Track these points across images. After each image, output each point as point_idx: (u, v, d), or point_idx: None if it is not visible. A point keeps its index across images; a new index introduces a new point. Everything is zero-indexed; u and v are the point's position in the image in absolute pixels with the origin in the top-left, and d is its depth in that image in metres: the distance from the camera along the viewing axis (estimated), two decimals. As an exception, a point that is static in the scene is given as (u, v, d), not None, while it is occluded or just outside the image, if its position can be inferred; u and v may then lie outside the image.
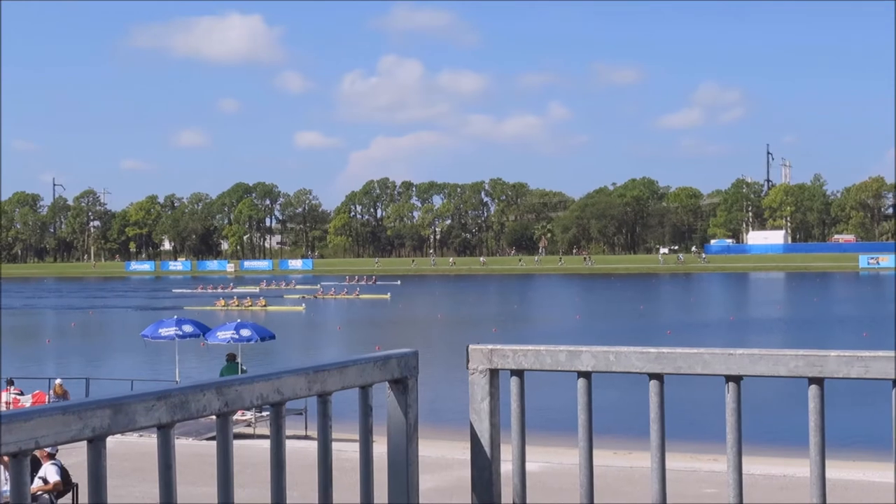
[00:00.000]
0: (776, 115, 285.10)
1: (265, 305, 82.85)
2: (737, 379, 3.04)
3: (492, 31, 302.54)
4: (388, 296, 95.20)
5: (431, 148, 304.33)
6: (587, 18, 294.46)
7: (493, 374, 3.27)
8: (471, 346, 3.28)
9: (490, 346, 3.25)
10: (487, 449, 3.24)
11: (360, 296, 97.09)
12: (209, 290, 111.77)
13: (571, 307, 79.00)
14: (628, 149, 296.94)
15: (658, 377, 3.11)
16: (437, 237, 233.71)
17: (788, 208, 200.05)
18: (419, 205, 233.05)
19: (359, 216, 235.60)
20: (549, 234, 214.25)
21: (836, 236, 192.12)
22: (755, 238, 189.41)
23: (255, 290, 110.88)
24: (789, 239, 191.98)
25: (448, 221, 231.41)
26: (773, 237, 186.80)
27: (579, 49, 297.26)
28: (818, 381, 2.97)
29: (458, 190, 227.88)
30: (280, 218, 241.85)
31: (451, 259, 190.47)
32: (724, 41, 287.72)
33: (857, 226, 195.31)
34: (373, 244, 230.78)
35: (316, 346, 54.55)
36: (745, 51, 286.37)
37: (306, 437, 24.20)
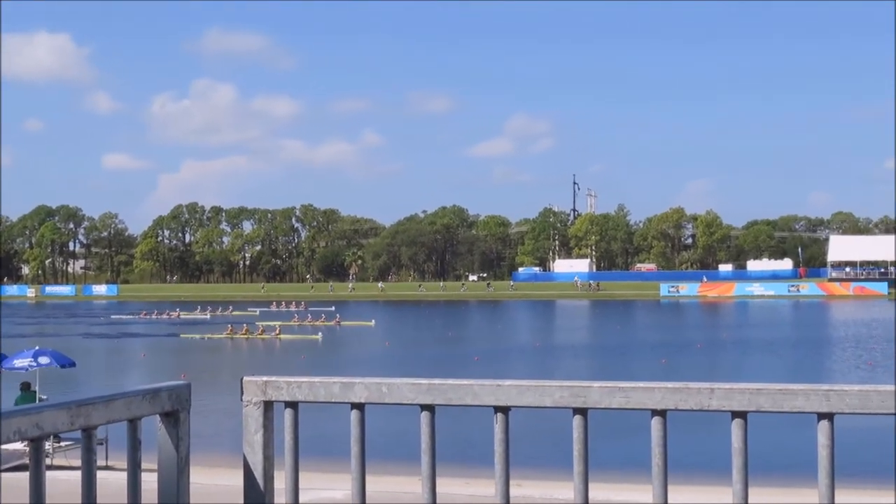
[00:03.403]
0: (584, 146, 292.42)
1: (279, 335, 76.00)
2: (505, 409, 3.12)
3: (308, 57, 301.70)
4: (372, 322, 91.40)
5: (243, 172, 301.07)
6: (403, 47, 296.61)
7: (268, 406, 3.27)
8: (245, 379, 3.28)
9: (264, 379, 3.26)
10: (260, 481, 3.24)
11: (342, 322, 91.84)
12: (154, 317, 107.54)
13: (382, 334, 79.15)
14: (440, 176, 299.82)
15: (429, 408, 3.18)
16: (247, 263, 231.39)
17: (593, 237, 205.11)
18: (229, 230, 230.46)
19: (166, 241, 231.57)
20: (359, 261, 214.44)
21: (638, 265, 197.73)
22: (561, 266, 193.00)
23: (204, 316, 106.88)
24: (594, 267, 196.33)
25: (258, 247, 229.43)
26: (579, 265, 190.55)
27: (394, 77, 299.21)
28: (582, 412, 3.08)
29: (269, 215, 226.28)
30: (84, 242, 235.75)
31: (350, 285, 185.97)
32: (535, 71, 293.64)
33: (659, 255, 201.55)
34: (181, 269, 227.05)
35: (122, 372, 53.06)
36: (554, 81, 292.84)
37: (107, 468, 23.53)
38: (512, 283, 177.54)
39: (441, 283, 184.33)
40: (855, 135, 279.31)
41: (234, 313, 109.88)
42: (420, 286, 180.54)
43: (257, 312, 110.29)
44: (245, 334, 76.72)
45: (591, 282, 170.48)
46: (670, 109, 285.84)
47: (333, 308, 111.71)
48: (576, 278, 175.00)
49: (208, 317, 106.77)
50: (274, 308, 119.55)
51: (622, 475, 20.45)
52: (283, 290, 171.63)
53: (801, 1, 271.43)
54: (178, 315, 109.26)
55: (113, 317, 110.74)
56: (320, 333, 78.09)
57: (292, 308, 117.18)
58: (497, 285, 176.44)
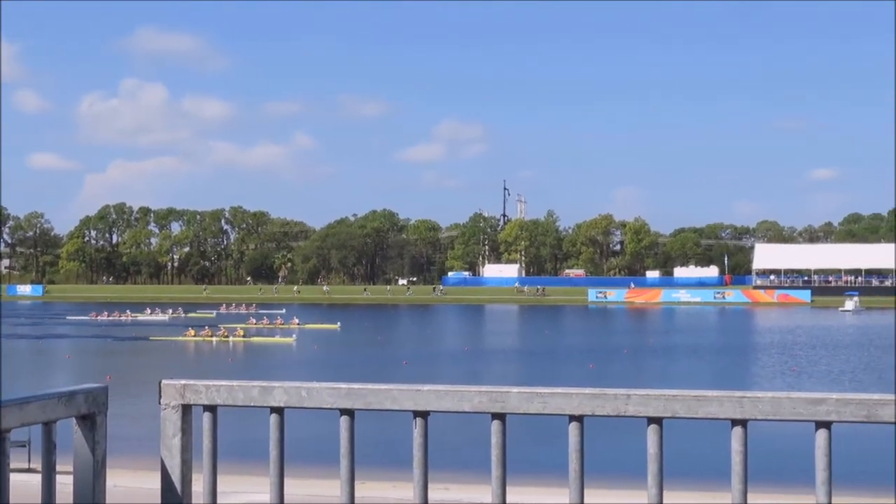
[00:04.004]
0: (514, 152, 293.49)
1: (244, 336, 74.45)
2: (424, 414, 3.15)
3: (239, 59, 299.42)
4: (337, 325, 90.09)
5: (172, 174, 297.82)
6: (336, 50, 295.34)
7: (186, 409, 3.26)
8: (163, 382, 3.27)
9: (183, 382, 3.25)
10: (178, 485, 3.23)
11: (303, 326, 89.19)
12: (105, 318, 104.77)
13: (313, 337, 78.76)
14: (371, 180, 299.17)
15: (349, 413, 3.19)
16: (176, 264, 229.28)
17: (523, 243, 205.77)
18: (157, 231, 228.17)
19: (93, 242, 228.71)
20: (289, 264, 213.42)
21: (567, 271, 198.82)
22: (491, 271, 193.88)
23: (163, 317, 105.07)
24: (523, 272, 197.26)
25: (187, 249, 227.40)
26: (508, 270, 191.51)
27: (327, 80, 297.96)
28: (500, 417, 3.11)
29: (198, 217, 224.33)
30: (9, 242, 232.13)
31: (295, 287, 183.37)
32: (467, 77, 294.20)
33: (587, 261, 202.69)
34: (107, 270, 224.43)
35: (47, 374, 52.28)
36: (485, 87, 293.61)
37: (29, 471, 23.27)
38: (441, 288, 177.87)
39: (387, 287, 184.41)
40: (780, 145, 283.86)
41: (190, 315, 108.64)
42: (365, 290, 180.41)
43: (213, 314, 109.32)
44: (208, 336, 74.96)
45: (538, 287, 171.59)
46: (599, 116, 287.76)
47: (285, 310, 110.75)
48: (516, 284, 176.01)
49: (167, 318, 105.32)
50: (224, 310, 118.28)
51: (544, 479, 20.60)
52: (226, 293, 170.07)
53: (727, 2, 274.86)
54: (130, 316, 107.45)
55: (69, 318, 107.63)
56: (294, 335, 77.23)
57: (242, 310, 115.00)
58: (436, 289, 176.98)
